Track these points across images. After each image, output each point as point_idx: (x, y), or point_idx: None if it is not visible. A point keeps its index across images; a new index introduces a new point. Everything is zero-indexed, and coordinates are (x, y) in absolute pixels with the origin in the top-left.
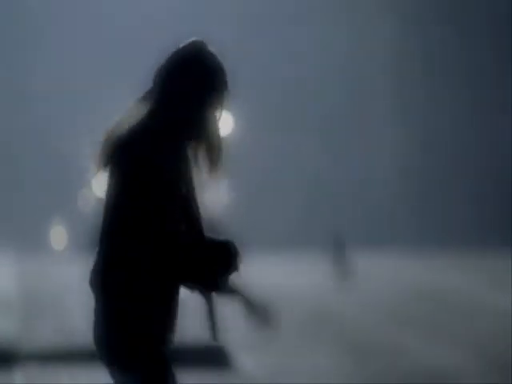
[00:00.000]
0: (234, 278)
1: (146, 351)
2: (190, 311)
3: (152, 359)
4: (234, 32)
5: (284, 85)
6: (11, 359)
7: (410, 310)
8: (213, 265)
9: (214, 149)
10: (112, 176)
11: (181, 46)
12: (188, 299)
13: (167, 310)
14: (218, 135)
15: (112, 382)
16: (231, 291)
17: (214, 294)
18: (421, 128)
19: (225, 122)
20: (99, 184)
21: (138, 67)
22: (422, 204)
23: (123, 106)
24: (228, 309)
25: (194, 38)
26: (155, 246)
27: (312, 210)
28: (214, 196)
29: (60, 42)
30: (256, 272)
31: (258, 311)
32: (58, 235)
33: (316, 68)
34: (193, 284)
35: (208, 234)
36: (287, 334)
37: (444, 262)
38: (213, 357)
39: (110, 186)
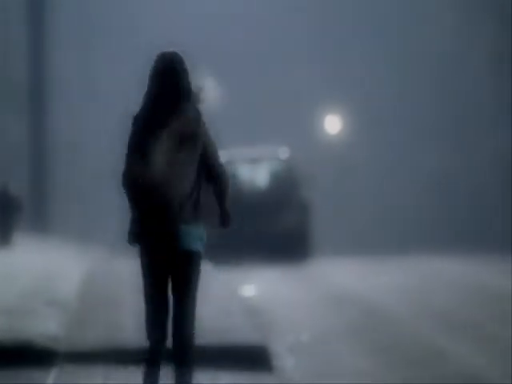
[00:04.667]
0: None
1: None
2: (229, 311)
3: None
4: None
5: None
6: (50, 359)
7: None
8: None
9: None
10: None
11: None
12: (221, 300)
13: None
14: None
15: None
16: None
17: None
18: None
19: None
20: None
21: None
22: None
23: None
24: (274, 308)
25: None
26: None
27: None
28: None
29: None
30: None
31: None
32: None
33: None
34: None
35: None
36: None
37: None
38: (253, 357)
39: None
